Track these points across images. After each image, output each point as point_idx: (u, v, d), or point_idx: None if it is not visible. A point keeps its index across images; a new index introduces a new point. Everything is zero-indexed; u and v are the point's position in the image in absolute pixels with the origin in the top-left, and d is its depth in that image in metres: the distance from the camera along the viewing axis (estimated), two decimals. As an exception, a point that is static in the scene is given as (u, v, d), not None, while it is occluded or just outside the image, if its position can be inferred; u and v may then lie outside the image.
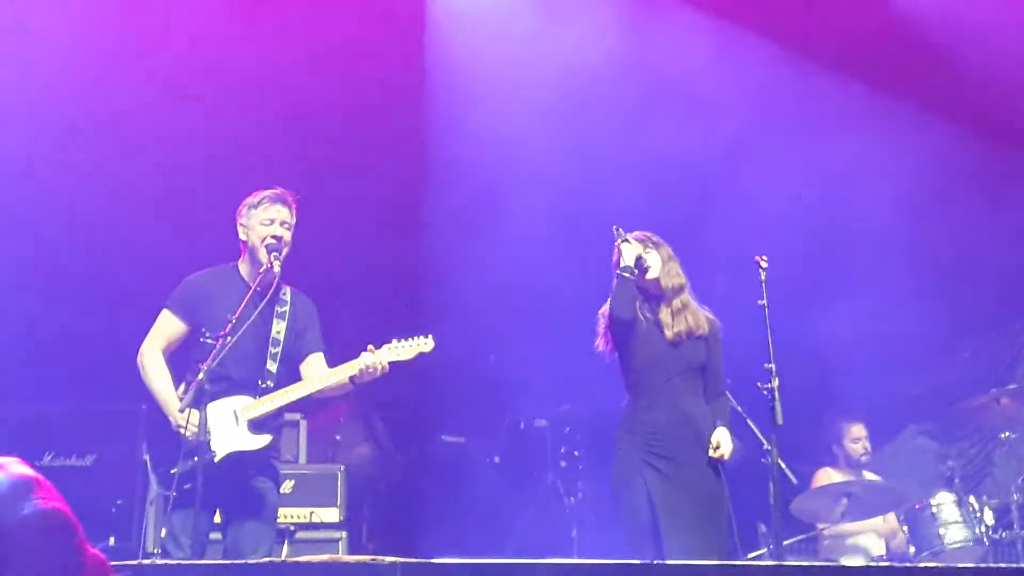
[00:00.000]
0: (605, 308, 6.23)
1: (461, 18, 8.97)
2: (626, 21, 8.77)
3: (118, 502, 7.82)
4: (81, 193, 8.45)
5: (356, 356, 5.71)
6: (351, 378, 5.72)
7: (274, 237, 5.80)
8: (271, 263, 5.74)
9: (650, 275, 6.17)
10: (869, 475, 8.27)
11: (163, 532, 5.54)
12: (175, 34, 8.44)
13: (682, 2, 8.82)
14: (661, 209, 7.86)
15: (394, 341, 5.78)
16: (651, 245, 6.25)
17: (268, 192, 5.92)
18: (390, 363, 5.73)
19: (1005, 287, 9.17)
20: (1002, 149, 8.81)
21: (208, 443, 5.49)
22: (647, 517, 5.91)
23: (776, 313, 6.11)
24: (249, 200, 5.92)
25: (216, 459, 5.53)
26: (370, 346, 5.72)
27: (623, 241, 6.17)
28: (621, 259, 6.13)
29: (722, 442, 6.02)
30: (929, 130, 8.69)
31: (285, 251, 5.84)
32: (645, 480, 5.94)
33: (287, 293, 5.96)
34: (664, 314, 6.15)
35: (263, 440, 5.68)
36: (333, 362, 5.87)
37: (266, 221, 5.83)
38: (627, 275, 6.09)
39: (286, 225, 5.87)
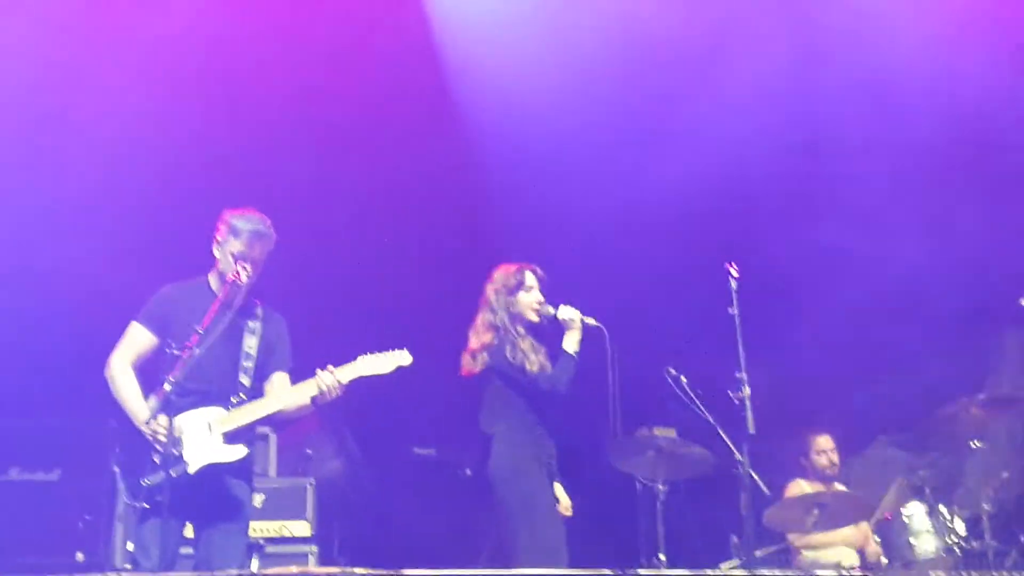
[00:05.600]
0: (484, 338, 6.43)
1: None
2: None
3: (86, 517, 7.75)
4: (52, 205, 8.36)
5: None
6: (312, 398, 5.69)
7: (246, 269, 5.75)
8: (237, 273, 5.70)
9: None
10: (838, 486, 8.28)
11: (129, 545, 5.47)
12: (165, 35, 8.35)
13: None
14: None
15: (370, 354, 5.74)
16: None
17: (256, 226, 5.82)
18: (370, 376, 5.70)
19: (975, 297, 9.22)
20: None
21: (180, 454, 5.45)
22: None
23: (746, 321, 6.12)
24: (234, 222, 5.82)
25: (191, 470, 5.49)
26: (329, 366, 5.68)
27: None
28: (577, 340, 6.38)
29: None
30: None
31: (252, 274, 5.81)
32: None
33: (259, 309, 5.93)
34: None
35: (239, 452, 5.65)
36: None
37: (244, 254, 5.77)
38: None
39: (261, 260, 5.84)
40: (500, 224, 9.04)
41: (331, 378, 5.63)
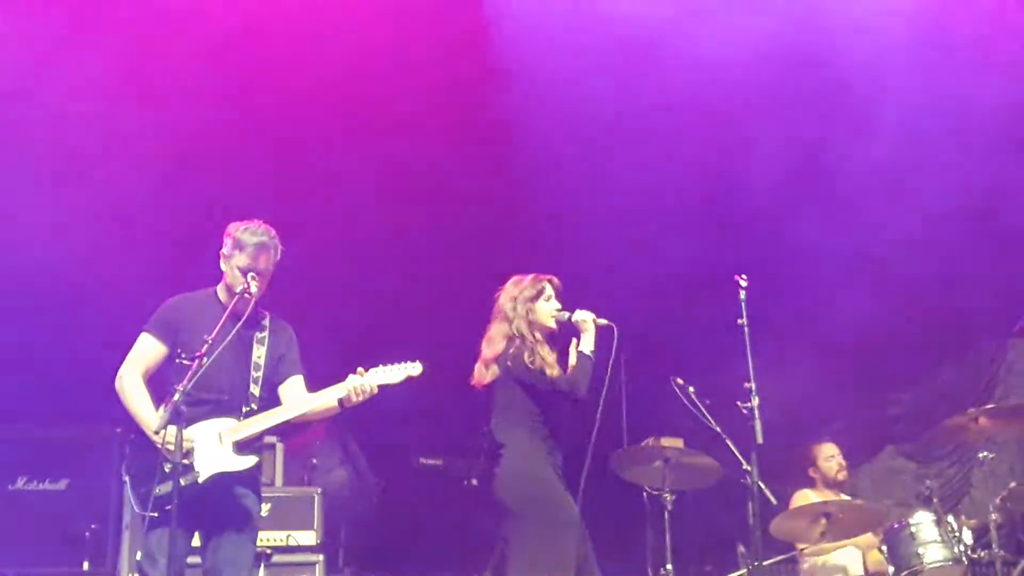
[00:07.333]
0: (498, 348, 6.39)
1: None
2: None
3: (92, 526, 7.77)
4: (57, 213, 8.36)
5: (338, 382, 5.68)
6: (340, 401, 5.69)
7: (255, 279, 5.72)
8: (247, 283, 5.69)
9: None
10: (845, 497, 8.27)
11: (138, 555, 5.46)
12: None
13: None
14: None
15: (380, 366, 5.75)
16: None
17: (261, 238, 5.78)
18: (381, 385, 5.71)
19: (982, 306, 9.22)
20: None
21: (191, 464, 5.45)
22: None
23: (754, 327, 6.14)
24: (239, 236, 5.78)
25: (200, 480, 5.50)
26: (359, 368, 5.69)
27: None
28: (592, 341, 6.37)
29: None
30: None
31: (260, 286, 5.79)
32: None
33: (266, 319, 5.94)
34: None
35: (249, 461, 5.65)
36: (312, 389, 5.83)
37: (249, 267, 5.73)
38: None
39: (266, 272, 5.81)
40: (507, 235, 9.03)
41: (363, 380, 5.64)
